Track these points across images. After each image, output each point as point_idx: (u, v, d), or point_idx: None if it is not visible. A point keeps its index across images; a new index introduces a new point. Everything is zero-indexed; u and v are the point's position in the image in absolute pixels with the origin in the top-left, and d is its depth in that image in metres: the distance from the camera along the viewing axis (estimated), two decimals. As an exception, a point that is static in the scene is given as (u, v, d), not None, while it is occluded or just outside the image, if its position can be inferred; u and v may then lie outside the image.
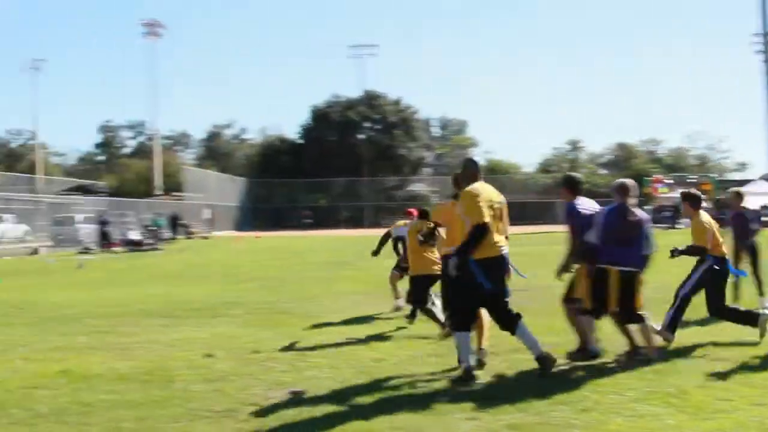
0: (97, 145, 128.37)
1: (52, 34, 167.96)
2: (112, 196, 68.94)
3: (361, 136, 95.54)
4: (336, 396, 7.91)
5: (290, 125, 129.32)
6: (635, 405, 7.29)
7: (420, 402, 7.57)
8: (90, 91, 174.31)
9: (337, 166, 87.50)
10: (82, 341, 11.53)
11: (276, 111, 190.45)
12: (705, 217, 10.41)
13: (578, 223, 9.23)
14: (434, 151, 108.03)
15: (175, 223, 56.32)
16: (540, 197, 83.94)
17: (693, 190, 10.74)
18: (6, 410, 7.57)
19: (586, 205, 9.46)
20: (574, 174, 10.07)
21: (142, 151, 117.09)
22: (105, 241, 42.82)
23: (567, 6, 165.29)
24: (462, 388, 8.05)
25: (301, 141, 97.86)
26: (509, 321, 8.58)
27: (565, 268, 9.44)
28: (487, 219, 8.29)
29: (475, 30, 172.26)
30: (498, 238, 8.51)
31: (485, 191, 8.60)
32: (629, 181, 9.49)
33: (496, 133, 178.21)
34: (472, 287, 8.35)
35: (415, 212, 14.55)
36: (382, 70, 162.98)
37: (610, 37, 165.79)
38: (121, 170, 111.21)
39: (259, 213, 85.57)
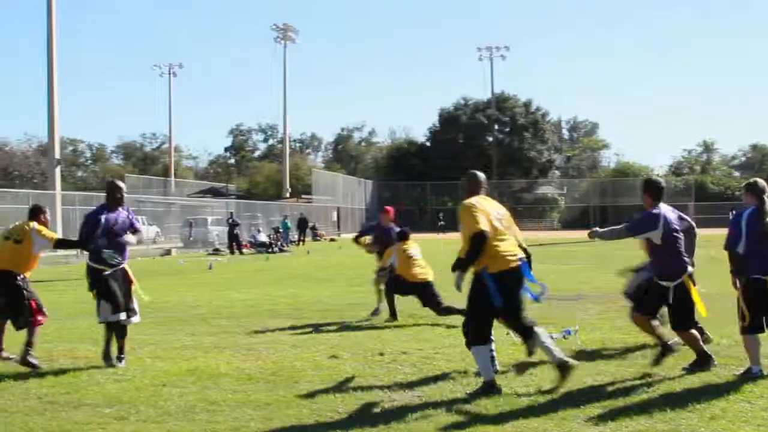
0: (228, 149, 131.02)
1: (187, 40, 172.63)
2: (242, 198, 70.36)
3: (489, 139, 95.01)
4: (460, 400, 7.77)
5: (418, 128, 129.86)
6: (765, 414, 7.00)
7: (543, 407, 7.38)
8: (222, 95, 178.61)
9: (464, 168, 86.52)
10: (210, 341, 11.67)
11: (404, 113, 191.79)
12: None
13: (667, 232, 8.81)
14: (564, 154, 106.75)
15: (303, 225, 57.00)
16: (670, 200, 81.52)
17: None
18: (136, 407, 7.68)
19: (669, 213, 9.05)
20: (657, 178, 9.67)
21: (272, 154, 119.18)
22: (234, 242, 43.58)
23: (699, 5, 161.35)
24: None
25: (429, 143, 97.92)
26: (524, 333, 8.27)
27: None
28: (485, 227, 7.95)
29: (606, 31, 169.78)
30: (510, 248, 8.20)
31: (484, 204, 8.33)
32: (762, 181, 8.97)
33: (627, 134, 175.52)
34: (486, 300, 8.02)
35: (391, 211, 14.71)
36: (512, 71, 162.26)
37: (743, 38, 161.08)
38: (252, 173, 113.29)
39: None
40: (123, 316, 10.03)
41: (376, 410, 7.45)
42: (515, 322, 8.30)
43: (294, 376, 8.98)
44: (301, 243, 53.63)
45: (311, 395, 8.01)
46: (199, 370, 9.35)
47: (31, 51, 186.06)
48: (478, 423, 6.91)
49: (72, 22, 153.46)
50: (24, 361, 9.74)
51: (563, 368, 8.05)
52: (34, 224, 10.43)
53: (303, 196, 78.90)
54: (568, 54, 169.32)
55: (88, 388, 8.59)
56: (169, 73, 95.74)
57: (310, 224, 59.06)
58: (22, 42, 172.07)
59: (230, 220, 44.39)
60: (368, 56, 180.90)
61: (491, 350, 8.34)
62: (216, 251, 43.98)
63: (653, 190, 9.19)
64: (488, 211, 8.23)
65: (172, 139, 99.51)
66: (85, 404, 7.90)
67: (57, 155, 43.90)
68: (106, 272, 9.93)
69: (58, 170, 43.52)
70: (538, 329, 8.23)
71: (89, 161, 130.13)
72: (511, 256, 8.13)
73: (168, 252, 43.92)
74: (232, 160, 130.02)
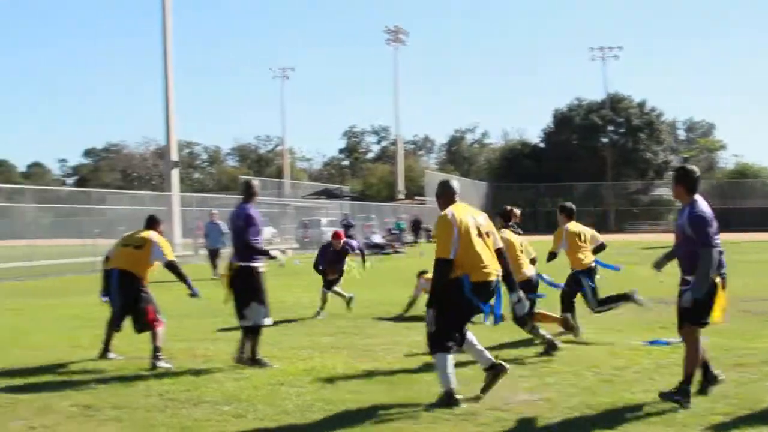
0: (342, 150, 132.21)
1: (299, 43, 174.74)
2: (356, 199, 70.75)
3: (603, 140, 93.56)
4: (578, 404, 7.62)
5: (532, 129, 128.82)
6: None
7: (664, 415, 7.19)
8: (336, 97, 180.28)
9: (579, 170, 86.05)
10: (327, 341, 11.73)
11: (517, 115, 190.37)
12: None
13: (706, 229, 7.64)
14: (680, 155, 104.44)
15: (417, 226, 57.04)
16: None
17: None
18: (253, 405, 7.75)
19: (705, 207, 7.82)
20: (692, 167, 8.16)
21: (386, 156, 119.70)
22: (349, 243, 43.80)
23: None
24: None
25: (543, 144, 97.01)
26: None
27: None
28: (449, 255, 7.63)
29: (720, 30, 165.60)
30: (487, 260, 7.85)
31: (462, 214, 7.93)
32: None
33: (745, 135, 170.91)
34: (462, 305, 7.73)
35: (341, 236, 15.62)
36: (626, 71, 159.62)
37: None
38: (365, 174, 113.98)
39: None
40: (269, 320, 10.12)
41: (492, 413, 7.35)
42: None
43: (410, 377, 8.96)
44: (414, 244, 53.66)
45: (427, 396, 7.94)
46: (315, 370, 9.39)
47: (147, 55, 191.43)
48: (594, 428, 6.76)
49: (187, 25, 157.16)
50: (153, 365, 9.91)
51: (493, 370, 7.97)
52: (155, 234, 10.73)
53: (416, 197, 78.94)
54: (682, 53, 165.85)
55: (208, 386, 8.71)
56: (282, 76, 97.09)
57: (424, 225, 59.06)
58: (138, 46, 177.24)
59: (344, 222, 44.66)
60: (480, 57, 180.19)
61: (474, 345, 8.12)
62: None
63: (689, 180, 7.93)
64: (466, 221, 7.88)
65: (286, 141, 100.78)
66: (204, 402, 8.01)
67: (174, 157, 44.83)
68: (260, 269, 10.00)
69: (175, 172, 44.44)
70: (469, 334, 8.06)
71: (205, 163, 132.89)
72: (487, 268, 7.81)
73: (284, 253, 44.37)
74: (346, 162, 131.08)
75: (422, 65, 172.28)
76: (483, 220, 8.13)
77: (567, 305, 11.94)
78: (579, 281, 11.98)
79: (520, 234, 11.33)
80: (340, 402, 7.83)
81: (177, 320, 13.58)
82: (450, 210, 7.96)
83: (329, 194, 71.07)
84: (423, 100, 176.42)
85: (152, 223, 10.90)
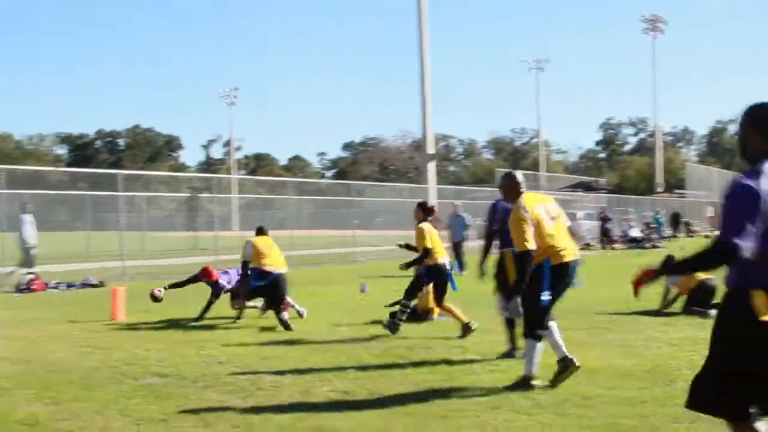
0: (598, 142, 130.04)
1: (554, 34, 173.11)
2: (613, 193, 69.43)
3: None
4: None
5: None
6: None
7: None
8: (592, 88, 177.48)
9: None
10: (581, 336, 11.56)
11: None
12: None
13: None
14: None
15: (676, 220, 55.28)
16: None
17: None
18: (508, 398, 7.76)
19: None
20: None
21: (643, 148, 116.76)
22: (605, 237, 43.08)
23: None
24: None
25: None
26: None
27: None
28: (532, 246, 8.15)
29: None
30: (563, 243, 8.41)
31: (532, 204, 8.50)
32: None
33: None
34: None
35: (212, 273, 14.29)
36: None
37: None
38: (622, 167, 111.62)
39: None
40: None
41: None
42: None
43: (670, 375, 8.70)
44: (674, 238, 52.05)
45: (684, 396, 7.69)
46: (571, 365, 9.28)
47: (404, 50, 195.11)
48: None
49: (442, 20, 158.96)
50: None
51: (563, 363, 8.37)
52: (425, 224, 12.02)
53: (676, 190, 76.53)
54: None
55: (463, 377, 8.81)
56: (537, 69, 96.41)
57: (684, 219, 57.15)
58: (395, 41, 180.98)
59: (602, 215, 43.94)
60: (744, 43, 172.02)
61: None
62: (587, 246, 43.72)
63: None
64: (537, 212, 8.37)
65: (541, 133, 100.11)
66: (460, 392, 8.10)
67: (431, 150, 45.46)
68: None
69: (432, 165, 45.05)
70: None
71: (461, 156, 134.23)
72: (564, 251, 8.40)
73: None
74: (602, 154, 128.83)
75: (681, 54, 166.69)
76: (550, 205, 8.73)
77: None
78: None
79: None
80: (596, 397, 7.71)
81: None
82: (521, 201, 8.52)
83: (585, 187, 70.07)
84: (682, 90, 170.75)
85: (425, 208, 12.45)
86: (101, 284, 21.55)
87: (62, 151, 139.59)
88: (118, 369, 9.51)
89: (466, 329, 11.65)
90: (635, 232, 45.92)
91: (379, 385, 8.53)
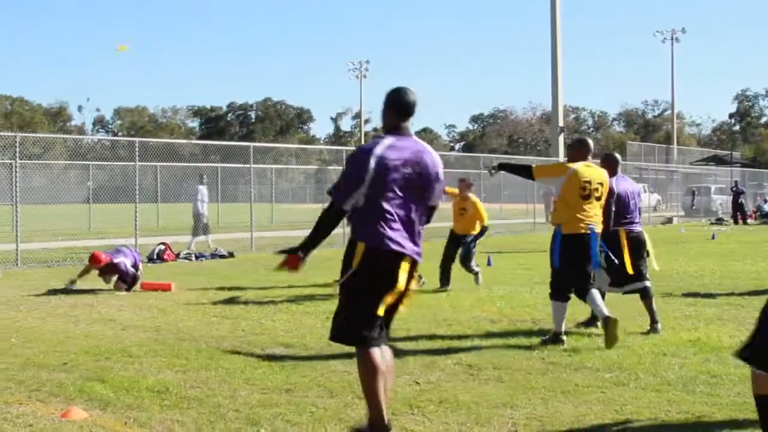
0: (732, 115, 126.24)
1: (688, 4, 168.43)
2: (747, 166, 67.40)
3: None
4: None
5: None
6: None
7: None
8: (727, 59, 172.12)
9: None
10: (712, 312, 11.34)
11: None
12: None
13: None
14: None
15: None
16: None
17: None
18: (635, 374, 7.67)
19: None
20: None
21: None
22: (739, 212, 41.91)
23: None
24: None
25: None
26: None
27: None
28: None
29: None
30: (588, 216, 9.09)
31: (585, 172, 9.12)
32: None
33: None
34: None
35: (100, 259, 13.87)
36: None
37: None
38: (758, 140, 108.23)
39: None
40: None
41: None
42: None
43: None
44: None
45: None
46: (700, 342, 9.12)
47: (535, 22, 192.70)
48: None
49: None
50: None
51: (606, 324, 8.66)
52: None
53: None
54: None
55: (590, 353, 8.72)
56: (672, 39, 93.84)
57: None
58: (526, 13, 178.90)
59: (734, 189, 42.76)
60: None
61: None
62: (719, 221, 42.64)
63: None
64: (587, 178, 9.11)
65: (675, 105, 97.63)
66: (585, 367, 8.04)
67: (560, 123, 44.96)
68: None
69: (561, 138, 44.54)
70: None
71: (591, 129, 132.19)
72: (585, 222, 9.08)
73: (669, 220, 43.43)
74: (737, 127, 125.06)
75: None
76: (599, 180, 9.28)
77: None
78: None
79: None
80: (725, 376, 7.54)
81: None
82: (576, 165, 9.18)
83: (719, 161, 68.20)
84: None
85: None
86: (231, 255, 22.04)
87: (194, 124, 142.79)
88: (244, 338, 9.75)
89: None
90: (769, 208, 44.57)
91: (503, 358, 8.52)
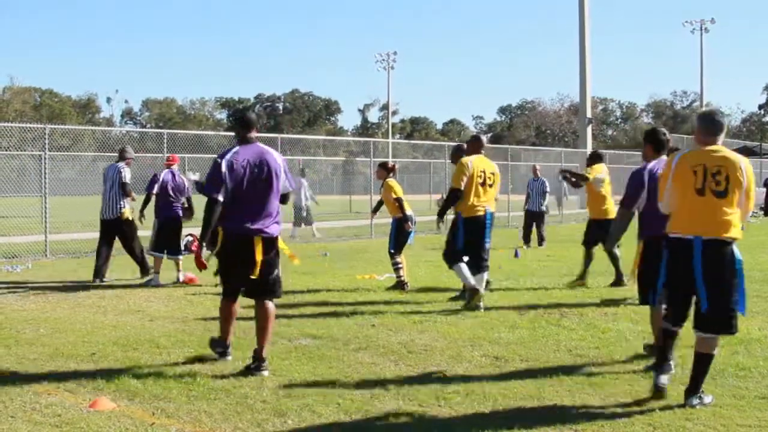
0: (762, 106, 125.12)
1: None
2: (781, 158, 66.77)
3: None
4: None
5: None
6: None
7: None
8: (756, 50, 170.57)
9: None
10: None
11: None
12: None
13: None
14: None
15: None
16: None
17: None
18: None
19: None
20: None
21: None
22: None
23: None
24: None
25: None
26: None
27: None
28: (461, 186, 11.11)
29: None
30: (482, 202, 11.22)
31: (477, 164, 11.31)
32: None
33: None
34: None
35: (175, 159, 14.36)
36: None
37: None
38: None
39: None
40: None
41: None
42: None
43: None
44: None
45: None
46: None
47: (563, 12, 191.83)
48: None
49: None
50: None
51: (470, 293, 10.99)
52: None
53: None
54: None
55: (616, 344, 8.73)
56: (701, 29, 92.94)
57: None
58: (555, 4, 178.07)
59: (766, 182, 42.41)
60: None
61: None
62: (754, 214, 42.29)
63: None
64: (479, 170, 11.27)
65: (704, 96, 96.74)
66: (612, 360, 8.03)
67: (588, 114, 44.75)
68: None
69: (589, 129, 44.36)
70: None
71: (619, 120, 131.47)
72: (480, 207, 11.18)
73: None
74: (766, 118, 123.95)
75: None
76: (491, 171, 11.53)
77: None
78: None
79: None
80: (753, 368, 7.53)
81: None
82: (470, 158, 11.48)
83: (748, 152, 67.59)
84: None
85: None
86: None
87: (222, 115, 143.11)
88: (273, 330, 9.76)
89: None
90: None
91: (530, 350, 8.51)
